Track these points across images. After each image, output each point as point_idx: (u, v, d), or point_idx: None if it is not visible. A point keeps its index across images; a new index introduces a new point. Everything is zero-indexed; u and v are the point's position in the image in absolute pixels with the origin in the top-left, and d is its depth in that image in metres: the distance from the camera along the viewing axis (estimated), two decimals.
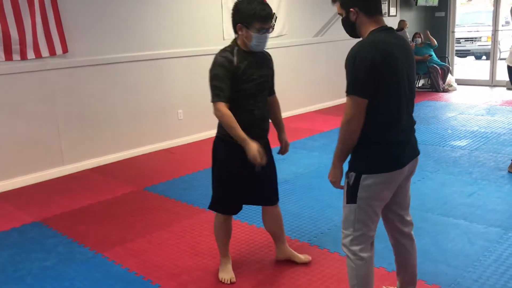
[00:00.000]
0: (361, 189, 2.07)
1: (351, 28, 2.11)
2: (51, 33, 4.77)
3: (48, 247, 3.40)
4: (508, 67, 4.33)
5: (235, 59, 2.52)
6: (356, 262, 2.14)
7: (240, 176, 2.67)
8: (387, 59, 1.94)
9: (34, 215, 3.98)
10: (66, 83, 5.00)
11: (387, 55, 1.94)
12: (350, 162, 2.15)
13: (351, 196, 2.11)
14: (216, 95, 2.52)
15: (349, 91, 1.97)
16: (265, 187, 2.80)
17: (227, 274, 2.80)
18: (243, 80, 2.53)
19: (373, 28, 2.03)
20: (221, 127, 2.65)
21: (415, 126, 2.24)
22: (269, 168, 2.74)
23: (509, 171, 4.42)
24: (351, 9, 2.04)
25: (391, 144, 2.06)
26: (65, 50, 4.89)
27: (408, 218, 2.32)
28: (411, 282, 2.39)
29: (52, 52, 4.81)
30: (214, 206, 2.81)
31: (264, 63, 2.67)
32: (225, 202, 2.76)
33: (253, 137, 2.52)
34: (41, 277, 2.97)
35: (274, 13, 2.56)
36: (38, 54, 4.73)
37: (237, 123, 2.47)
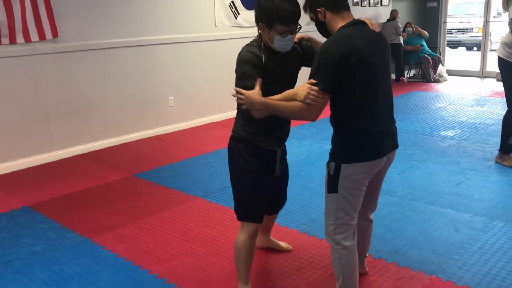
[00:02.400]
0: (341, 178, 2.11)
1: (323, 29, 2.17)
2: (40, 17, 4.72)
3: (37, 232, 3.40)
4: (499, 58, 4.36)
5: (263, 56, 2.24)
6: (339, 252, 2.19)
7: (264, 178, 2.41)
8: (353, 54, 1.97)
9: (24, 200, 3.97)
10: (56, 68, 4.96)
11: (352, 50, 1.97)
12: (330, 153, 2.19)
13: (332, 186, 2.15)
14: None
15: (314, 84, 2.01)
16: (279, 194, 2.69)
17: None
18: (269, 80, 2.20)
19: (342, 24, 2.08)
20: (237, 126, 2.40)
21: (397, 117, 2.28)
22: (285, 175, 2.63)
23: (496, 161, 4.47)
24: (318, 9, 2.12)
25: (370, 134, 2.11)
26: (55, 34, 4.84)
27: (373, 208, 2.46)
28: (362, 255, 2.54)
29: (42, 37, 4.76)
30: (244, 215, 2.41)
31: (292, 54, 2.35)
32: (255, 208, 2.39)
33: (275, 139, 2.40)
34: (30, 262, 2.97)
35: (300, 10, 2.21)
36: (27, 39, 4.68)
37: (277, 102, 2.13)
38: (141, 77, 5.72)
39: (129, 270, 2.84)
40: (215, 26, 6.42)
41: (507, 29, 4.32)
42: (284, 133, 2.47)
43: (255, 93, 2.12)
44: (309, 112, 2.04)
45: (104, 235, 3.30)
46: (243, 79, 2.19)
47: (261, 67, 2.22)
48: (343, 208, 2.15)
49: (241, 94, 2.14)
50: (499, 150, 4.50)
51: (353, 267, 2.22)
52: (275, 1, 2.15)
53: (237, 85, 2.22)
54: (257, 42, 2.29)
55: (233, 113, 7.42)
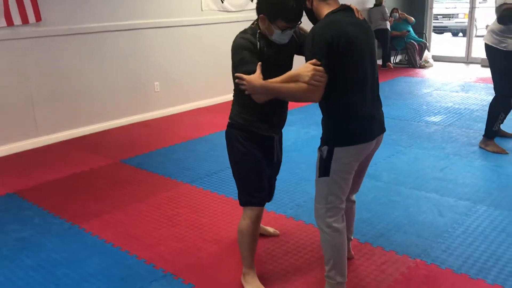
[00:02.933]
0: (334, 161, 2.14)
1: (311, 15, 2.19)
2: (23, 0, 4.63)
3: (23, 218, 3.38)
4: (486, 45, 4.39)
5: (258, 43, 2.23)
6: (331, 234, 2.22)
7: (262, 163, 2.42)
8: (342, 37, 2.00)
9: (9, 186, 3.94)
10: (39, 52, 4.89)
11: (341, 33, 2.01)
12: (322, 137, 2.22)
13: (324, 169, 2.17)
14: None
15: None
16: (273, 183, 2.70)
17: None
18: (266, 66, 2.17)
19: (328, 11, 2.10)
20: (234, 113, 2.40)
21: (383, 103, 2.32)
22: (279, 163, 2.64)
23: (480, 147, 4.53)
24: None
25: (360, 118, 2.14)
26: (38, 18, 4.76)
27: (356, 189, 2.52)
28: (348, 237, 2.54)
29: (25, 20, 4.68)
30: (246, 200, 2.43)
31: (289, 42, 2.32)
32: (256, 192, 2.40)
33: (271, 126, 2.41)
34: (17, 248, 2.96)
35: (304, 4, 2.19)
36: (9, 22, 4.60)
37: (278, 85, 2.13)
38: (126, 61, 5.66)
39: (117, 256, 2.84)
40: (202, 10, 6.36)
41: (493, 16, 4.34)
42: (281, 119, 2.47)
43: (255, 77, 2.11)
44: (313, 92, 2.04)
45: (91, 221, 3.29)
46: (242, 65, 2.17)
47: (257, 53, 2.21)
48: (334, 192, 2.19)
49: (242, 79, 2.13)
50: (483, 136, 4.56)
51: (343, 249, 2.26)
52: None
53: (236, 72, 2.19)
54: (252, 30, 2.27)
55: (219, 99, 7.43)
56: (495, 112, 4.41)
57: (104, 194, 3.77)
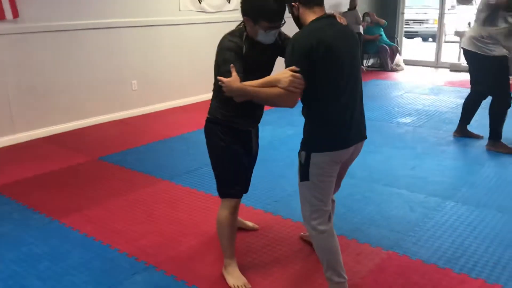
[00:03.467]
0: (311, 166, 2.22)
1: (297, 21, 2.28)
2: None
3: (2, 214, 3.38)
4: (467, 51, 4.59)
5: (244, 46, 2.33)
6: (317, 237, 2.30)
7: (241, 156, 2.53)
8: (322, 45, 2.07)
9: None
10: (16, 49, 4.87)
11: (321, 41, 2.07)
12: (301, 143, 2.30)
13: (304, 174, 2.26)
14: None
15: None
16: (250, 174, 2.77)
17: (239, 279, 2.52)
18: (249, 68, 2.29)
19: (313, 18, 2.19)
20: (213, 109, 2.49)
21: (366, 102, 2.40)
22: (256, 154, 2.75)
23: (489, 149, 4.64)
24: (293, 4, 2.23)
25: (337, 125, 2.21)
26: (15, 14, 4.74)
27: (336, 190, 2.59)
28: None
29: (2, 16, 4.65)
30: (225, 192, 2.53)
31: (272, 44, 2.41)
32: (234, 185, 2.52)
33: (249, 121, 2.51)
34: None
35: (285, 7, 2.29)
36: None
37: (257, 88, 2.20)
38: (104, 60, 5.67)
39: (98, 249, 2.89)
40: (179, 10, 6.41)
41: (461, 22, 4.54)
42: (258, 115, 2.56)
43: (233, 80, 2.18)
44: (289, 99, 2.12)
45: (71, 216, 3.32)
46: (224, 65, 2.24)
47: (242, 55, 2.29)
48: (315, 195, 2.26)
49: (222, 82, 2.20)
50: (489, 138, 4.70)
51: (334, 250, 2.31)
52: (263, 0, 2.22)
53: (218, 71, 2.28)
54: (239, 32, 2.36)
55: (196, 98, 7.50)
56: (499, 114, 4.59)
57: (83, 190, 3.79)
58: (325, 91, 2.16)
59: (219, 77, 2.22)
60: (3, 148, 4.82)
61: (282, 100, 2.14)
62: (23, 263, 2.75)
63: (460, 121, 5.07)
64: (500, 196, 3.60)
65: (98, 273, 2.65)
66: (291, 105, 2.15)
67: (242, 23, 2.39)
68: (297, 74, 2.08)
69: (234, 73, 2.19)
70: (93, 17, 5.46)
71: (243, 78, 2.21)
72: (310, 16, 2.20)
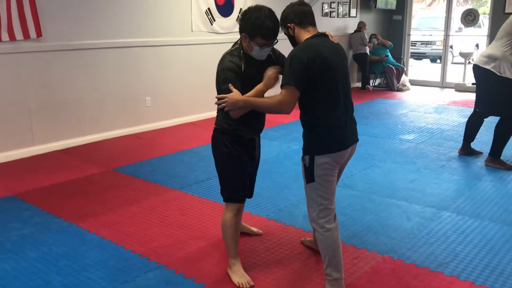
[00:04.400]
0: (316, 168, 2.47)
1: (292, 40, 2.58)
2: (25, 16, 4.93)
3: (24, 218, 3.62)
4: (484, 69, 4.64)
5: (242, 64, 2.58)
6: (324, 234, 2.51)
7: (245, 164, 2.75)
8: (318, 58, 2.35)
9: (8, 190, 4.18)
10: (38, 66, 5.18)
11: (317, 55, 2.36)
12: (303, 148, 2.55)
13: (309, 176, 2.50)
14: None
15: (286, 83, 2.38)
16: (253, 180, 2.99)
17: (243, 278, 2.71)
18: (246, 84, 2.56)
19: (307, 36, 2.48)
20: (219, 120, 2.71)
21: (361, 122, 2.66)
22: (258, 161, 2.96)
23: (487, 165, 4.82)
24: (289, 25, 2.53)
25: (335, 129, 2.47)
26: (39, 34, 5.06)
27: None
28: None
29: (26, 36, 4.98)
30: (229, 196, 2.76)
31: (267, 61, 2.68)
32: (238, 190, 2.75)
33: (253, 129, 2.74)
34: (20, 243, 3.21)
35: (279, 27, 2.56)
36: (12, 37, 4.89)
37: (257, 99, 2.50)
38: (120, 77, 5.97)
39: (114, 250, 3.11)
40: (192, 31, 6.73)
41: (469, 43, 4.73)
42: (261, 123, 2.81)
43: (235, 93, 2.48)
44: (284, 105, 2.38)
45: (88, 221, 3.55)
46: (224, 83, 2.52)
47: (241, 73, 2.56)
48: (321, 195, 2.49)
49: (223, 98, 2.48)
50: (489, 155, 4.88)
51: (336, 247, 2.53)
52: (259, 18, 2.50)
53: (218, 89, 2.56)
54: (237, 51, 2.62)
55: (206, 114, 7.76)
56: (505, 136, 4.74)
57: (98, 198, 4.03)
58: (322, 99, 2.42)
59: (219, 96, 2.51)
60: (24, 158, 5.10)
61: (278, 107, 2.40)
62: (44, 261, 2.98)
63: (464, 140, 5.21)
64: (494, 207, 3.78)
65: (113, 270, 2.86)
66: (287, 111, 2.41)
67: (239, 42, 2.65)
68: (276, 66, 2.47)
69: (234, 89, 2.48)
70: (111, 37, 5.78)
71: (241, 92, 2.50)
72: (304, 35, 2.49)
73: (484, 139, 5.62)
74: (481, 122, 5.07)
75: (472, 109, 5.22)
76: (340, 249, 2.56)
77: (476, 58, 4.80)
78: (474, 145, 5.26)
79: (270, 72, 2.59)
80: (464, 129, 5.23)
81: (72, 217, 3.61)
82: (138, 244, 3.20)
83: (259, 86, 2.55)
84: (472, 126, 5.11)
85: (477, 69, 4.81)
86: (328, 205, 2.51)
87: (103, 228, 3.44)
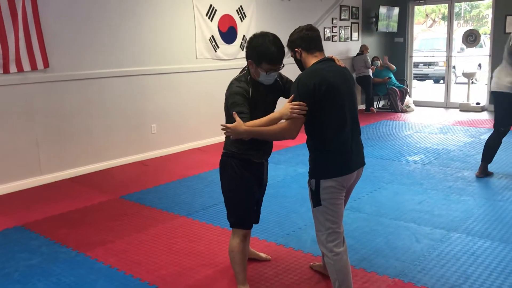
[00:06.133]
0: (322, 191, 2.48)
1: (299, 64, 2.62)
2: (33, 48, 5.02)
3: (32, 248, 3.62)
4: (496, 93, 4.85)
5: (250, 89, 2.62)
6: (333, 258, 2.51)
7: (253, 188, 2.76)
8: (324, 83, 2.38)
9: (16, 220, 4.19)
10: (46, 96, 5.25)
11: (323, 80, 2.39)
12: (309, 172, 2.56)
13: (316, 200, 2.51)
14: (241, 118, 2.50)
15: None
16: (260, 205, 3.00)
17: None
18: (254, 109, 2.58)
19: (314, 61, 2.51)
20: (228, 144, 2.71)
21: (366, 144, 2.67)
22: (265, 185, 2.95)
23: (477, 176, 4.97)
24: (296, 49, 2.58)
25: (341, 153, 2.48)
26: (46, 65, 5.14)
27: None
28: None
29: (34, 67, 5.06)
30: (236, 222, 2.75)
31: (274, 86, 2.73)
32: (246, 216, 2.75)
33: (262, 153, 2.75)
34: (28, 274, 3.20)
35: (284, 52, 2.60)
36: (20, 68, 4.97)
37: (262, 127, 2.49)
38: (126, 105, 6.03)
39: (122, 279, 3.09)
40: (196, 58, 6.82)
41: (471, 63, 4.85)
42: (269, 147, 2.83)
43: (238, 124, 2.47)
44: (288, 132, 2.40)
45: (96, 250, 3.55)
46: (233, 107, 2.54)
47: (249, 98, 2.59)
48: (329, 218, 2.49)
49: (228, 128, 2.49)
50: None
51: (346, 271, 2.52)
52: (264, 44, 2.54)
53: (228, 114, 2.60)
54: (245, 77, 2.67)
55: (212, 140, 7.80)
56: None
57: (106, 226, 4.03)
58: (328, 123, 2.44)
59: (224, 124, 2.52)
60: (31, 188, 5.12)
61: (282, 134, 2.42)
62: None
63: (483, 161, 5.15)
64: (504, 227, 3.74)
65: None
66: (292, 136, 2.43)
67: (246, 68, 2.70)
68: (296, 102, 2.37)
69: (237, 119, 2.47)
70: (116, 66, 5.86)
71: (250, 118, 2.51)
72: (311, 60, 2.53)
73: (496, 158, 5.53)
74: (500, 142, 5.08)
75: (479, 128, 5.22)
76: (350, 273, 2.55)
77: (495, 82, 4.89)
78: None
79: (289, 104, 2.41)
80: (482, 150, 5.19)
81: (80, 246, 3.61)
82: (146, 272, 3.18)
83: (273, 115, 2.49)
84: (492, 145, 5.08)
85: (496, 94, 4.93)
86: (336, 228, 2.51)
87: (111, 257, 3.42)
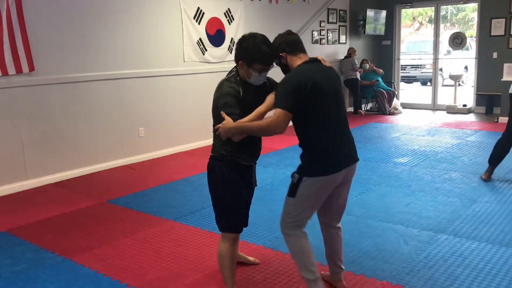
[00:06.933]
0: (301, 187, 2.53)
1: (284, 68, 2.64)
2: (18, 51, 4.96)
3: (16, 254, 3.56)
4: (510, 95, 4.93)
5: (241, 90, 2.62)
6: (287, 239, 2.64)
7: (242, 191, 2.75)
8: (309, 81, 2.41)
9: (0, 225, 4.12)
10: (31, 100, 5.18)
11: (308, 79, 2.42)
12: (298, 166, 2.59)
13: (292, 191, 2.58)
14: (232, 119, 2.50)
15: (278, 105, 2.44)
16: (248, 208, 2.98)
17: None
18: (245, 108, 2.57)
19: (299, 63, 2.55)
20: (217, 147, 2.71)
21: (356, 145, 2.71)
22: (254, 188, 2.95)
23: (483, 178, 5.00)
24: (281, 54, 2.61)
25: (326, 152, 2.51)
26: (31, 68, 5.08)
27: (336, 225, 2.87)
28: (337, 264, 2.88)
29: (19, 70, 5.00)
30: (225, 226, 2.74)
31: (262, 87, 2.74)
32: (236, 219, 2.75)
33: (251, 155, 2.74)
34: (13, 280, 3.15)
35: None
36: (4, 72, 4.90)
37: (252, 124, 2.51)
38: (113, 109, 5.98)
39: (108, 284, 3.05)
40: (184, 61, 6.79)
41: (458, 65, 4.89)
42: (257, 149, 2.83)
43: (227, 122, 2.48)
44: (276, 126, 2.41)
45: (82, 255, 3.50)
46: (225, 107, 2.54)
47: (239, 98, 2.60)
48: (295, 211, 2.58)
49: (218, 127, 2.49)
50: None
51: (303, 250, 2.60)
52: (256, 45, 2.57)
53: (216, 114, 2.59)
54: (234, 78, 2.67)
55: (200, 143, 7.77)
56: None
57: (92, 231, 3.98)
58: (314, 121, 2.47)
59: (216, 126, 2.53)
60: (17, 193, 5.05)
61: (270, 129, 2.43)
62: None
63: (491, 164, 5.11)
64: (490, 228, 3.76)
65: None
66: (281, 131, 2.44)
67: (235, 70, 2.70)
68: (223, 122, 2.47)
69: (226, 117, 2.49)
70: (103, 69, 5.82)
71: (240, 117, 2.51)
72: (297, 61, 2.56)
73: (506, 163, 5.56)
74: (510, 147, 5.04)
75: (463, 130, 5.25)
76: (309, 252, 2.62)
77: None
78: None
79: (272, 96, 2.58)
80: (490, 153, 5.15)
81: (66, 252, 3.56)
82: (132, 277, 3.14)
83: (259, 108, 2.55)
84: (503, 148, 5.02)
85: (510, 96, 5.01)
86: (298, 221, 2.60)
87: (97, 262, 3.38)
